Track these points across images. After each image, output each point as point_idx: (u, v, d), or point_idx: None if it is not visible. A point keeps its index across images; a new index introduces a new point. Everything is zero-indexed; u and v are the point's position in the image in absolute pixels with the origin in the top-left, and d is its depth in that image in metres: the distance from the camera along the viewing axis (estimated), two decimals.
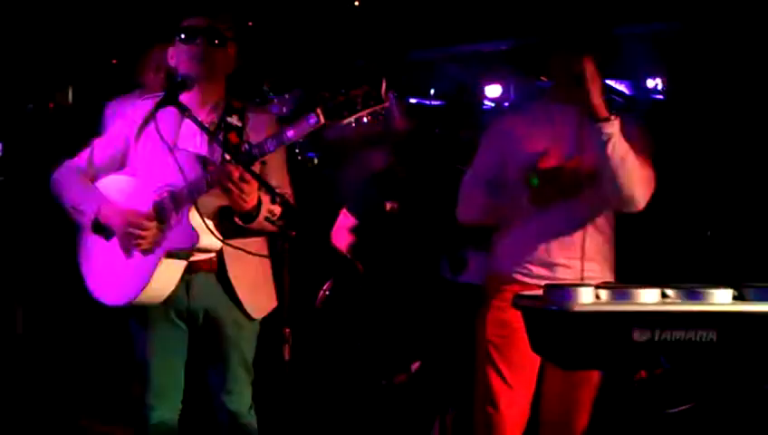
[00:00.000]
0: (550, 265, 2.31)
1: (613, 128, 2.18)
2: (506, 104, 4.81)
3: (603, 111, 2.18)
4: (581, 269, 2.31)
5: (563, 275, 2.30)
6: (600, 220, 2.34)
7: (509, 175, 2.35)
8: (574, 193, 2.29)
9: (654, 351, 1.63)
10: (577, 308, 1.63)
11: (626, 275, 2.37)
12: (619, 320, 1.62)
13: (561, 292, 1.66)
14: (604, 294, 1.66)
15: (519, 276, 2.34)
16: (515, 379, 2.31)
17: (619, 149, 2.19)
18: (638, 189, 2.23)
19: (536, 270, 2.32)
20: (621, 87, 4.84)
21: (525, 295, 1.83)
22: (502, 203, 2.36)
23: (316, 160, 3.95)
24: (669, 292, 1.68)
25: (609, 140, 2.18)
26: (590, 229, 2.32)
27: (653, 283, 1.71)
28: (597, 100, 2.17)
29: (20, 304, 3.54)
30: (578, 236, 2.31)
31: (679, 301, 1.67)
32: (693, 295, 1.66)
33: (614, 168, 2.19)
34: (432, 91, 4.80)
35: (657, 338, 1.61)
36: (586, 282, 2.03)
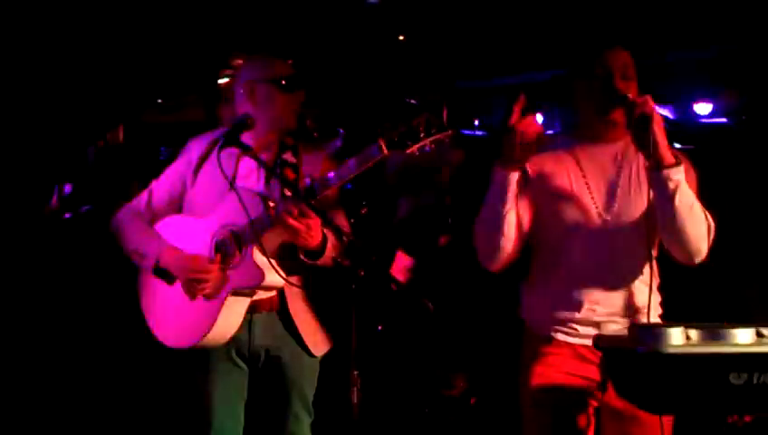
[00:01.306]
0: (597, 323, 2.09)
1: (680, 174, 2.00)
2: (550, 132, 4.76)
3: (670, 157, 1.99)
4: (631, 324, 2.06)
5: (613, 332, 2.07)
6: (646, 268, 2.11)
7: (535, 218, 2.14)
8: (618, 244, 2.08)
9: (751, 394, 1.55)
10: (670, 350, 1.56)
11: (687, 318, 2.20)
12: (715, 362, 1.54)
13: (651, 332, 1.59)
14: (694, 334, 1.59)
15: (561, 336, 2.11)
16: None
17: (687, 196, 2.02)
18: (704, 239, 2.04)
19: (582, 329, 2.10)
20: (665, 112, 4.78)
21: (607, 336, 1.75)
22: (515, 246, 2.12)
23: (353, 190, 3.94)
24: (765, 331, 1.60)
25: (676, 188, 1.99)
26: (637, 279, 2.10)
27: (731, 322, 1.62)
28: (663, 144, 1.97)
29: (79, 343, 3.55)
30: (625, 287, 2.10)
31: None
32: None
33: (681, 219, 2.00)
34: (477, 123, 4.78)
35: (755, 381, 1.53)
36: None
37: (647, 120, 1.96)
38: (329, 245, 2.27)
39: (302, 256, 2.29)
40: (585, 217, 2.11)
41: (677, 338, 1.59)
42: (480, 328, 3.36)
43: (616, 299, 2.10)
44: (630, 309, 2.10)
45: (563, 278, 2.13)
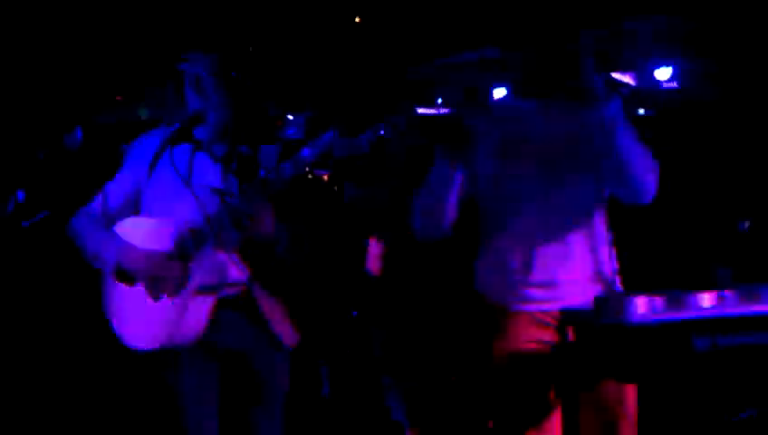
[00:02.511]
0: (548, 285, 2.04)
1: (618, 108, 1.96)
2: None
3: (604, 92, 1.95)
4: (583, 281, 2.04)
5: (567, 294, 2.03)
6: (598, 223, 2.09)
7: (481, 186, 2.12)
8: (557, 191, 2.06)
9: (716, 359, 1.55)
10: (634, 319, 1.55)
11: (632, 283, 2.13)
12: (679, 329, 1.53)
13: (614, 303, 1.59)
14: (659, 302, 1.59)
15: (516, 304, 2.07)
16: (541, 420, 2.04)
17: (628, 131, 1.97)
18: (650, 176, 2.01)
19: (535, 293, 2.06)
20: (626, 78, 4.78)
21: (572, 310, 1.75)
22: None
23: (326, 177, 3.90)
24: (726, 294, 1.60)
25: (615, 121, 1.94)
26: (586, 235, 2.06)
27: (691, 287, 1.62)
28: (596, 80, 1.94)
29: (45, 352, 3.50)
30: (574, 245, 2.06)
31: (738, 303, 1.59)
32: (752, 296, 1.58)
33: (623, 153, 1.95)
34: (439, 100, 4.75)
35: (719, 344, 1.53)
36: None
37: (575, 57, 1.95)
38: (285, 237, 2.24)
39: (258, 249, 2.26)
40: (528, 177, 2.08)
41: (643, 306, 1.58)
42: (455, 309, 3.35)
43: (566, 258, 2.06)
44: (582, 267, 2.06)
45: (511, 242, 2.09)
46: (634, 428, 2.01)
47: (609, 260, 2.10)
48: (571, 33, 2.07)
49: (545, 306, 2.03)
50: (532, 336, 2.07)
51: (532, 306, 2.06)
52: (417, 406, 3.22)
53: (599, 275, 2.04)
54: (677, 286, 1.70)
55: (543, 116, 2.12)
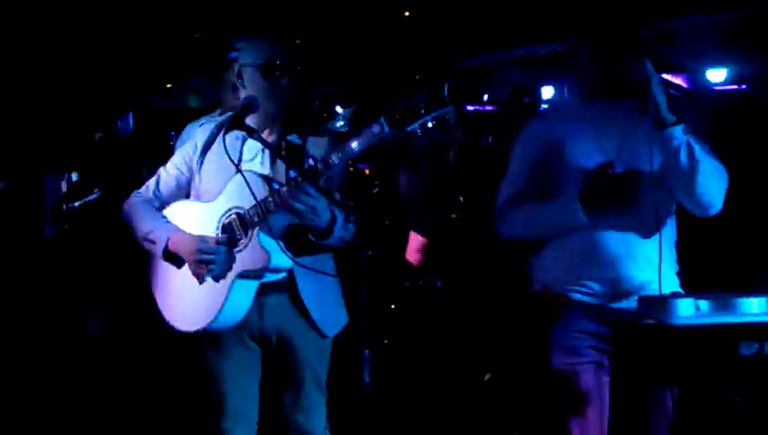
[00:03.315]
0: (610, 281, 2.14)
1: (682, 132, 2.06)
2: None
3: (669, 116, 2.05)
4: (646, 280, 2.13)
5: (627, 290, 2.12)
6: (663, 223, 2.17)
7: (553, 183, 2.21)
8: (630, 198, 2.13)
9: (762, 365, 1.53)
10: (678, 322, 1.54)
11: (693, 284, 2.20)
12: (725, 333, 1.52)
13: (658, 304, 1.57)
14: (705, 305, 1.57)
15: (577, 295, 2.16)
16: (588, 406, 2.15)
17: (693, 152, 2.06)
18: (717, 191, 2.10)
19: (598, 288, 2.15)
20: (679, 80, 4.70)
21: (615, 309, 1.74)
22: (548, 215, 2.20)
23: (368, 171, 3.93)
24: None
25: (680, 146, 2.05)
26: (651, 237, 2.14)
27: (732, 289, 1.60)
28: (662, 105, 2.04)
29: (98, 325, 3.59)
30: (639, 245, 2.14)
31: None
32: None
33: (689, 174, 2.06)
34: (486, 97, 4.73)
35: (766, 351, 1.51)
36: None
37: (644, 82, 2.02)
38: (338, 225, 2.27)
39: (310, 237, 2.28)
40: (599, 169, 2.15)
41: (687, 309, 1.56)
42: (493, 304, 3.35)
43: (630, 256, 2.14)
44: (645, 266, 2.13)
45: (577, 236, 2.17)
46: (668, 420, 2.06)
47: (672, 263, 2.19)
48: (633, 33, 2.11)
49: (606, 301, 2.10)
50: (587, 328, 2.14)
51: (593, 299, 2.13)
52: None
53: (662, 276, 2.10)
54: (725, 289, 1.67)
55: (616, 120, 2.18)
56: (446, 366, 3.35)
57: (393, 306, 3.41)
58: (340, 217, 2.27)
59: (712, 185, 2.10)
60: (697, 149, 2.07)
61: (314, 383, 2.44)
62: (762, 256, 3.33)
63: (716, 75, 4.55)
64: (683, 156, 2.05)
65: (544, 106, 4.69)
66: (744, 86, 4.45)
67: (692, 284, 2.20)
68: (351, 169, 3.79)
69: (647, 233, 2.15)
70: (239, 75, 2.37)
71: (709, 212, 2.13)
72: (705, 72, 4.57)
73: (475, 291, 3.36)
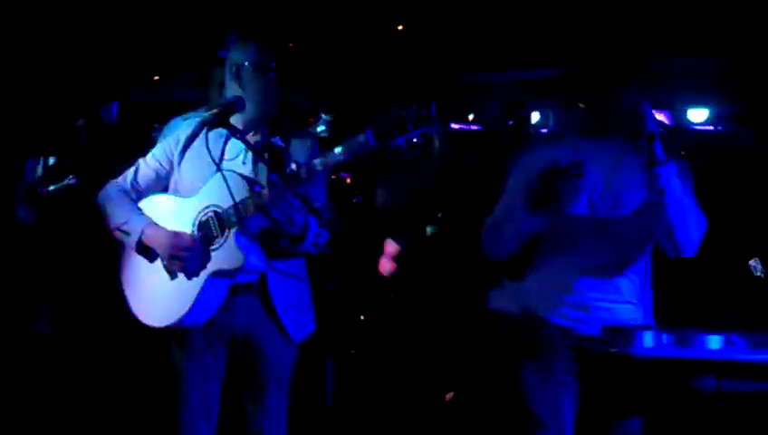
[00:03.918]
0: (586, 308, 2.21)
1: (672, 172, 2.13)
2: (544, 130, 4.76)
3: (662, 155, 2.12)
4: (619, 312, 2.18)
5: (601, 318, 2.16)
6: (638, 260, 2.25)
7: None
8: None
9: (718, 401, 1.56)
10: (638, 352, 1.57)
11: (666, 318, 2.24)
12: (682, 367, 1.55)
13: (622, 334, 1.60)
14: (666, 338, 1.60)
15: (553, 319, 2.24)
16: (554, 424, 2.20)
17: (678, 193, 2.13)
18: (695, 235, 2.17)
19: (572, 313, 2.22)
20: (661, 117, 4.78)
21: (581, 335, 1.76)
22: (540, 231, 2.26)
23: (349, 180, 3.94)
24: (735, 338, 1.61)
25: (668, 184, 2.12)
26: (626, 271, 2.23)
27: (702, 326, 1.64)
28: (657, 142, 2.10)
29: (52, 313, 3.55)
30: (615, 276, 2.22)
31: (746, 349, 1.60)
32: (760, 343, 1.59)
33: (671, 214, 2.12)
34: (471, 117, 4.77)
35: (723, 388, 1.54)
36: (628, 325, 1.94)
37: (641, 118, 2.09)
38: (311, 232, 2.27)
39: (282, 243, 2.29)
40: (580, 207, 2.23)
41: (649, 341, 1.59)
42: (465, 320, 3.36)
43: (606, 287, 2.21)
44: (619, 298, 2.20)
45: (558, 264, 2.25)
46: None
47: (646, 297, 2.24)
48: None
49: (579, 326, 2.15)
50: (560, 350, 2.19)
51: (567, 323, 2.20)
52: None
53: (634, 309, 2.17)
54: (689, 325, 1.71)
55: (603, 157, 2.24)
56: (410, 380, 3.36)
57: (362, 317, 3.42)
58: (313, 224, 2.28)
59: (691, 227, 2.16)
60: (682, 190, 2.14)
61: (278, 387, 2.43)
62: (733, 295, 3.39)
63: (698, 115, 4.62)
64: (669, 196, 2.11)
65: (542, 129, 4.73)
66: (724, 127, 4.53)
67: (664, 320, 2.24)
68: (334, 176, 3.81)
69: (622, 266, 2.22)
70: (236, 73, 2.37)
71: (683, 253, 2.19)
72: (686, 110, 4.65)
73: (444, 307, 3.37)
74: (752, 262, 2.50)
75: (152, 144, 2.63)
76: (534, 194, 2.26)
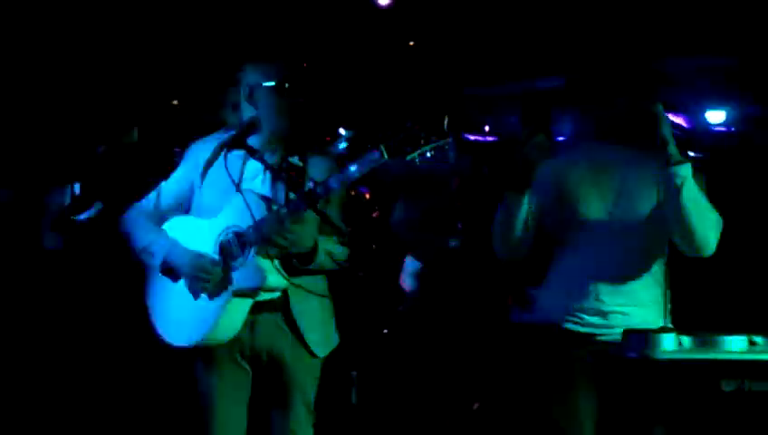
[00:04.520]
0: (603, 313, 2.22)
1: (687, 171, 2.13)
2: (561, 138, 4.76)
3: (677, 155, 2.12)
4: (636, 316, 2.19)
5: (618, 323, 2.18)
6: (655, 264, 2.25)
7: (549, 218, 2.28)
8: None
9: (741, 402, 1.55)
10: (660, 356, 1.57)
11: (685, 320, 2.24)
12: (706, 369, 1.54)
13: (642, 338, 1.60)
14: (687, 341, 1.60)
15: (570, 325, 2.25)
16: (577, 433, 2.21)
17: (694, 192, 2.13)
18: (712, 234, 2.17)
19: (589, 318, 2.23)
20: (679, 120, 4.76)
21: (601, 341, 1.77)
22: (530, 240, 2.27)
23: (368, 195, 3.96)
24: (758, 339, 1.60)
25: (683, 184, 2.11)
26: (644, 274, 2.24)
27: (722, 329, 1.63)
28: (672, 143, 2.11)
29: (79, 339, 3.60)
30: (631, 280, 2.23)
31: None
32: None
33: (688, 213, 2.12)
34: (487, 128, 4.79)
35: (746, 388, 1.53)
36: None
37: (654, 120, 2.09)
38: (321, 251, 2.30)
39: (294, 262, 2.32)
40: (596, 214, 2.24)
41: (669, 344, 1.59)
42: (486, 331, 3.36)
43: (622, 291, 2.22)
44: (636, 302, 2.21)
45: (574, 270, 2.26)
46: None
47: (664, 300, 2.24)
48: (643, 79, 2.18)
49: (597, 332, 2.17)
50: (580, 356, 2.20)
51: (585, 330, 2.21)
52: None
53: (652, 312, 2.18)
54: (710, 328, 1.71)
55: (616, 164, 2.25)
56: (436, 392, 3.36)
57: (385, 331, 3.43)
58: (324, 243, 2.30)
59: (708, 227, 2.15)
60: (697, 189, 2.14)
61: (303, 404, 2.45)
62: (756, 297, 3.36)
63: (716, 116, 4.60)
64: (684, 195, 2.11)
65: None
66: (741, 128, 4.51)
67: (684, 322, 2.24)
68: (353, 192, 3.84)
69: (639, 270, 2.23)
70: (250, 94, 2.41)
71: (702, 253, 2.19)
72: (704, 112, 4.63)
73: (468, 319, 3.38)
74: None
75: (174, 168, 2.68)
76: (537, 209, 2.26)
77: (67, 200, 3.44)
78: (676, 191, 2.12)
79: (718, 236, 2.18)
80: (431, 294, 3.35)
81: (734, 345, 1.59)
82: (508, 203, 2.22)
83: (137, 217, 2.50)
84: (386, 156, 2.19)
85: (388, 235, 3.54)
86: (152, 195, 2.53)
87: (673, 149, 2.12)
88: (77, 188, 3.46)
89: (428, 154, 2.20)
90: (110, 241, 2.71)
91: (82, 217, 3.40)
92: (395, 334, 3.41)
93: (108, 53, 4.14)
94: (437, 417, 3.33)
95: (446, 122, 2.18)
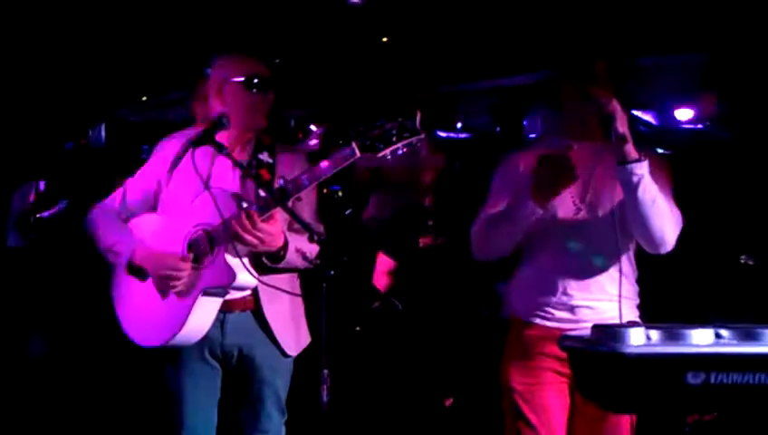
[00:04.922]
0: (571, 308, 2.26)
1: (643, 169, 2.14)
2: (532, 136, 4.79)
3: (633, 153, 2.14)
4: (604, 310, 2.24)
5: (586, 318, 2.22)
6: (622, 259, 2.26)
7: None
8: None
9: (708, 395, 1.57)
10: (628, 350, 1.58)
11: (652, 315, 2.29)
12: (673, 363, 1.56)
13: (611, 333, 1.61)
14: (655, 334, 1.61)
15: (539, 320, 2.28)
16: (544, 427, 2.26)
17: (650, 190, 2.15)
18: (669, 231, 2.19)
19: (557, 313, 2.27)
20: (648, 117, 4.81)
21: (571, 336, 1.78)
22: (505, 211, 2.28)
23: (341, 193, 3.95)
24: (723, 332, 1.62)
25: (639, 182, 2.13)
26: (611, 269, 2.26)
27: (689, 322, 1.65)
28: (627, 141, 2.12)
29: (46, 335, 3.54)
30: (598, 275, 2.26)
31: (735, 342, 1.61)
32: (748, 336, 1.60)
33: (644, 210, 2.15)
34: (459, 125, 4.79)
35: (712, 381, 1.55)
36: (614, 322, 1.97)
37: (609, 118, 2.11)
38: (291, 248, 2.28)
39: (263, 259, 2.29)
40: (563, 209, 2.27)
41: (638, 338, 1.61)
42: (458, 329, 3.38)
43: (590, 286, 2.26)
44: (603, 296, 2.25)
45: (542, 265, 2.29)
46: None
47: (632, 295, 2.29)
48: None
49: (565, 327, 2.19)
50: (549, 352, 2.23)
51: (553, 324, 2.25)
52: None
53: (619, 305, 2.20)
54: (678, 320, 1.73)
55: (584, 154, 2.26)
56: (409, 389, 3.36)
57: (358, 328, 3.42)
58: (293, 241, 2.28)
59: (666, 224, 2.18)
60: (655, 187, 2.15)
61: (274, 403, 2.44)
62: (716, 292, 3.42)
63: (684, 114, 4.65)
64: (640, 192, 2.13)
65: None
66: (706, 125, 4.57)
67: (651, 317, 2.27)
68: (325, 190, 3.82)
69: (606, 266, 2.25)
70: (219, 90, 2.38)
71: (660, 250, 2.22)
72: (672, 110, 4.68)
73: (439, 315, 3.38)
74: (743, 257, 2.52)
75: (141, 165, 2.64)
76: (515, 195, 2.27)
77: (31, 199, 3.38)
78: (633, 189, 2.14)
79: (677, 233, 2.20)
80: (403, 292, 3.35)
81: (701, 338, 1.61)
82: (524, 213, 2.21)
83: (102, 216, 2.46)
84: (357, 153, 2.18)
85: (360, 232, 3.54)
86: (118, 192, 2.50)
87: (628, 147, 2.13)
88: (41, 185, 3.41)
89: (400, 151, 2.19)
90: (74, 240, 2.67)
91: (46, 214, 3.34)
92: (367, 332, 3.41)
93: (77, 49, 4.08)
94: (410, 414, 3.34)
95: (418, 119, 2.17)
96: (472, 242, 2.35)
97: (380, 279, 3.45)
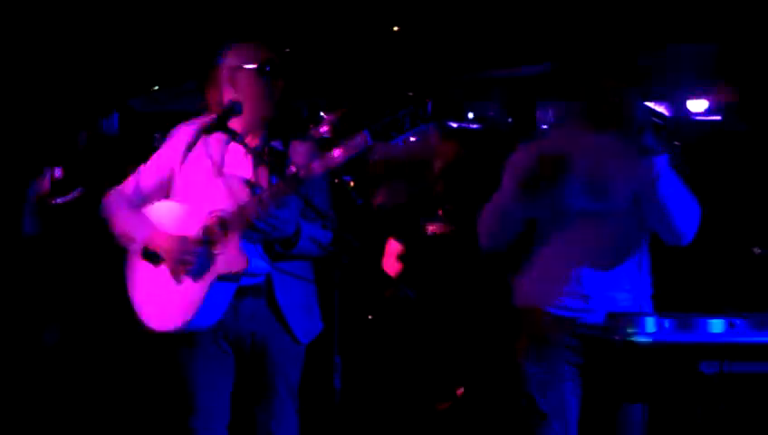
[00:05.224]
0: (585, 297, 2.25)
1: (664, 162, 2.14)
2: (544, 127, 4.78)
3: (654, 145, 2.13)
4: (617, 300, 2.21)
5: (599, 307, 2.20)
6: (636, 248, 2.27)
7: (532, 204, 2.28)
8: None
9: (722, 383, 1.57)
10: (642, 339, 1.58)
11: (666, 305, 2.27)
12: (687, 351, 1.56)
13: (624, 321, 1.61)
14: (669, 323, 1.61)
15: (552, 309, 2.28)
16: (557, 416, 2.25)
17: (672, 182, 2.15)
18: (690, 223, 2.19)
19: (570, 303, 2.26)
20: (661, 108, 4.78)
21: (584, 324, 1.78)
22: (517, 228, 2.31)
23: (352, 183, 3.95)
24: (736, 321, 1.62)
25: (660, 174, 2.13)
26: (625, 258, 2.26)
27: (703, 311, 1.65)
28: (649, 133, 2.12)
29: (60, 324, 3.57)
30: (612, 264, 2.25)
31: (748, 331, 1.61)
32: (762, 325, 1.60)
33: (665, 204, 2.14)
34: (471, 115, 4.79)
35: (725, 370, 1.55)
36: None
37: (631, 114, 2.11)
38: (304, 235, 2.29)
39: (276, 246, 2.31)
40: (576, 198, 2.26)
41: (651, 326, 1.61)
42: (470, 317, 3.38)
43: (603, 275, 2.24)
44: (617, 286, 2.23)
45: (556, 254, 2.28)
46: None
47: (646, 285, 2.27)
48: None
49: (579, 315, 2.18)
50: (562, 341, 2.23)
51: (567, 313, 2.23)
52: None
53: (634, 296, 2.19)
54: (691, 310, 1.73)
55: (598, 144, 2.26)
56: (421, 377, 3.37)
57: (370, 317, 3.43)
58: (306, 228, 2.29)
59: (686, 216, 2.18)
60: (675, 179, 2.15)
61: (287, 389, 2.45)
62: (733, 283, 3.41)
63: (697, 105, 4.63)
64: (661, 185, 2.12)
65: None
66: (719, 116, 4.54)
67: (664, 307, 2.26)
68: (336, 180, 3.83)
69: (620, 256, 2.24)
70: (231, 77, 2.39)
71: (681, 242, 2.22)
72: (685, 102, 4.66)
73: (452, 304, 3.39)
74: (755, 249, 2.52)
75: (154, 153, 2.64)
76: (524, 186, 2.27)
77: (46, 185, 3.40)
78: (653, 182, 2.13)
79: (696, 226, 2.20)
80: (413, 279, 3.36)
81: (715, 327, 1.61)
82: (513, 206, 2.23)
83: (116, 202, 2.47)
84: (370, 140, 2.18)
85: (371, 219, 3.54)
86: (132, 179, 2.50)
87: (649, 139, 2.12)
88: (57, 172, 3.42)
89: (412, 139, 2.19)
90: (89, 225, 2.68)
91: (61, 200, 3.36)
92: (379, 320, 3.42)
93: (89, 38, 4.10)
94: (423, 402, 3.35)
95: (429, 106, 2.18)
96: (478, 231, 2.36)
97: (391, 265, 3.46)
